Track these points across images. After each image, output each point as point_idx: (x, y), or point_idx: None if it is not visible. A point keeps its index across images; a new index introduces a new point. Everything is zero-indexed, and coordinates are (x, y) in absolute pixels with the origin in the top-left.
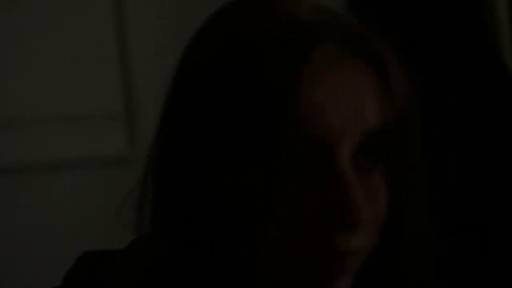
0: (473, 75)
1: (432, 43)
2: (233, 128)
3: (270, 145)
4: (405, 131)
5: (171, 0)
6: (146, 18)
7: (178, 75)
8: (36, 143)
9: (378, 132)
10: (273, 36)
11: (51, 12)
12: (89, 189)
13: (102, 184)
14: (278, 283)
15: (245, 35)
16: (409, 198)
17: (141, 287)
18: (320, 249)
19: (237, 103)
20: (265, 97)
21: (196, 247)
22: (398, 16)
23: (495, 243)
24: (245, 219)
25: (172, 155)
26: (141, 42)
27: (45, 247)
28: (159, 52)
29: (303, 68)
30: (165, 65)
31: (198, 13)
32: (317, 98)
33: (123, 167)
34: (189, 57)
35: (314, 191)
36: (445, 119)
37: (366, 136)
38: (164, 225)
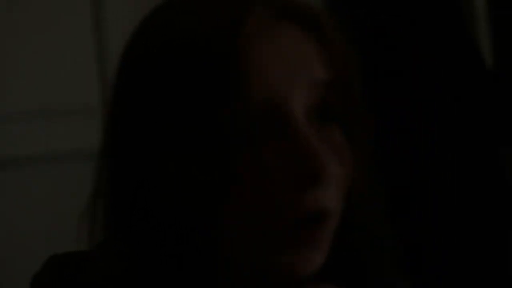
0: (451, 70)
1: (410, 38)
2: (181, 103)
3: (221, 115)
4: (348, 88)
5: None
6: (124, 11)
7: (120, 68)
8: (12, 138)
9: (324, 88)
10: (204, 10)
11: (27, 5)
12: (66, 184)
13: (79, 179)
14: (247, 258)
15: (179, 18)
16: (357, 161)
17: None
18: (288, 214)
19: (181, 78)
20: (207, 68)
21: (156, 231)
22: (378, 12)
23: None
24: (205, 195)
25: (124, 138)
26: (119, 35)
27: (20, 245)
28: None
29: (239, 33)
30: None
31: None
32: (258, 59)
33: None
34: (127, 51)
35: (273, 153)
36: (425, 115)
37: (314, 91)
38: (121, 212)
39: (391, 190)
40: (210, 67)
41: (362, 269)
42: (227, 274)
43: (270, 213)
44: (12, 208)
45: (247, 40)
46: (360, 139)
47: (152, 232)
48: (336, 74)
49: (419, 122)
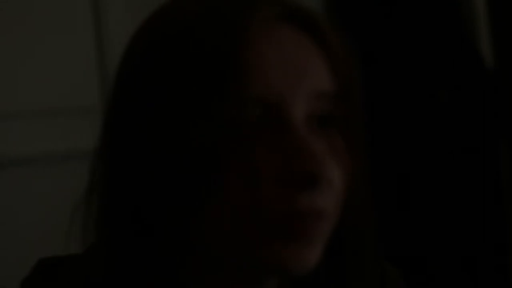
0: (451, 69)
1: (410, 39)
2: (179, 97)
3: (217, 109)
4: (350, 96)
5: None
6: (124, 11)
7: (120, 64)
8: (10, 138)
9: (326, 96)
10: (207, 8)
11: (26, 5)
12: (66, 184)
13: (79, 178)
14: (235, 250)
15: (181, 16)
16: (355, 166)
17: None
18: (280, 209)
19: (180, 73)
20: (209, 65)
21: (146, 222)
22: (377, 14)
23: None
24: (196, 188)
25: (121, 132)
26: (119, 34)
27: (19, 246)
28: None
29: (243, 32)
30: None
31: None
32: (260, 59)
33: None
34: (127, 48)
35: (268, 151)
36: (425, 112)
37: (314, 97)
38: (111, 214)
39: (390, 188)
40: (210, 62)
41: (352, 275)
42: (215, 267)
43: (261, 208)
44: (12, 208)
45: (249, 38)
46: (358, 145)
47: (142, 235)
48: (338, 82)
49: (418, 121)
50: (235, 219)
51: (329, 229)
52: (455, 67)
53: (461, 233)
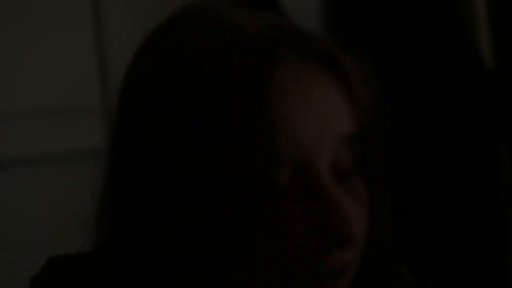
0: (451, 69)
1: (410, 39)
2: (206, 148)
3: (246, 167)
4: (373, 137)
5: None
6: (124, 11)
7: (128, 93)
8: (10, 138)
9: (350, 140)
10: (231, 56)
11: (26, 5)
12: (66, 184)
13: (79, 178)
14: None
15: (201, 54)
16: (376, 205)
17: None
18: (311, 269)
19: (207, 128)
20: (235, 121)
21: (173, 269)
22: (377, 14)
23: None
24: (223, 243)
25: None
26: (119, 34)
27: (20, 244)
28: (136, 45)
29: (269, 86)
30: None
31: (176, 9)
32: (287, 114)
33: (99, 161)
34: (142, 75)
35: (297, 209)
36: (425, 112)
37: (340, 146)
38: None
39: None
40: (238, 115)
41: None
42: None
43: (290, 266)
44: (12, 208)
45: (278, 89)
46: (380, 186)
47: (167, 263)
48: (362, 126)
49: (418, 121)
50: (265, 275)
51: (353, 272)
52: (455, 67)
53: (461, 233)
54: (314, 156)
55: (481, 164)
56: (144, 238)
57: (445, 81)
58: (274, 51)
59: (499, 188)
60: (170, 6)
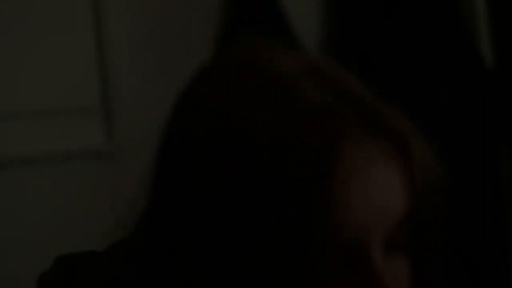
0: (451, 69)
1: (410, 39)
2: (265, 235)
3: (304, 249)
4: (429, 216)
5: None
6: (124, 11)
7: (169, 161)
8: (10, 137)
9: (404, 221)
10: (288, 129)
11: (26, 5)
12: (66, 184)
13: (79, 178)
14: None
15: (253, 127)
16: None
17: None
18: None
19: (265, 209)
20: (296, 202)
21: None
22: (377, 13)
23: None
24: None
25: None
26: (119, 34)
27: (20, 244)
28: (136, 45)
29: (334, 170)
30: (143, 59)
31: (176, 9)
32: (349, 199)
33: (100, 161)
34: (182, 143)
35: (349, 287)
36: (425, 112)
37: (394, 228)
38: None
39: None
40: (300, 201)
41: None
42: None
43: None
44: (12, 208)
45: (344, 168)
46: (431, 260)
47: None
48: (420, 205)
49: (418, 121)
50: None
51: None
52: (455, 67)
53: (461, 233)
54: (368, 240)
55: (481, 164)
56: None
57: (445, 81)
58: (339, 126)
59: (499, 188)
60: (170, 6)
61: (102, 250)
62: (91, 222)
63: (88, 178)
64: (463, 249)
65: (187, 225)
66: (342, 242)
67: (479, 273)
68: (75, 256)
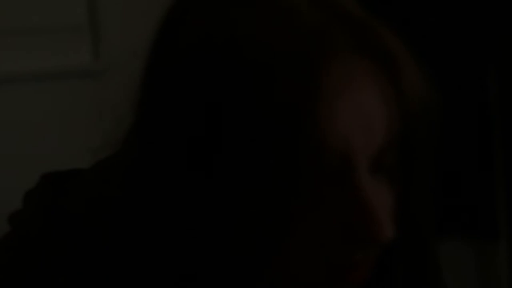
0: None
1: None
2: (250, 145)
3: (290, 162)
4: (419, 136)
5: None
6: None
7: (157, 72)
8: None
9: (390, 144)
10: (281, 45)
11: None
12: (53, 103)
13: (66, 97)
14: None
15: (246, 39)
16: (415, 200)
17: (107, 216)
18: (336, 260)
19: (252, 120)
20: (283, 114)
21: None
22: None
23: None
24: (262, 238)
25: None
26: None
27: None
28: None
29: (321, 82)
30: None
31: None
32: (337, 111)
33: (87, 80)
34: (172, 52)
35: (334, 207)
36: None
37: (381, 152)
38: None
39: None
40: (287, 112)
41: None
42: None
43: (321, 259)
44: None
45: (332, 85)
46: (420, 182)
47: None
48: (409, 123)
49: None
50: (297, 272)
51: (369, 268)
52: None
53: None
54: (354, 154)
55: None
56: (177, 210)
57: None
58: (328, 45)
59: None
60: None
61: (89, 167)
62: (77, 140)
63: (75, 96)
64: (450, 179)
65: (175, 138)
66: (329, 163)
67: (465, 201)
68: (61, 173)
